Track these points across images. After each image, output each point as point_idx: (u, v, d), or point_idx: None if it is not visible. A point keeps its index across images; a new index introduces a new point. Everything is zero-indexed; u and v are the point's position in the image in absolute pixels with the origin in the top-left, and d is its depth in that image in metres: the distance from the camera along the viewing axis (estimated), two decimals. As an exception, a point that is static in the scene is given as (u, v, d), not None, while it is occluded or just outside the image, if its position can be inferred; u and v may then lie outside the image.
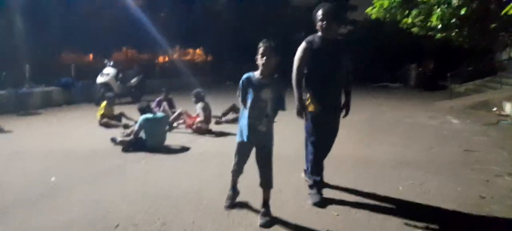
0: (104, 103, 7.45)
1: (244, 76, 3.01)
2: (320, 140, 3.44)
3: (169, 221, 2.97)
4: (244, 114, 3.01)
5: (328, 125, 3.44)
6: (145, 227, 2.87)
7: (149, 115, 5.39)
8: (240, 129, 3.06)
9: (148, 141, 5.28)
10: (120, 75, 11.28)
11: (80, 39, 15.39)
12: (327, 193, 3.58)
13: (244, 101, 3.01)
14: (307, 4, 31.93)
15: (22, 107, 8.85)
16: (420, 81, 16.47)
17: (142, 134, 5.33)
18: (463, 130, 7.32)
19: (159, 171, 4.46)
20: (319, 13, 3.29)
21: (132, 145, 5.30)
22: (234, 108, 7.91)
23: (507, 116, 8.90)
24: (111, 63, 11.59)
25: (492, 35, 5.03)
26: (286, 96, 3.07)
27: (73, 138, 6.41)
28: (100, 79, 10.73)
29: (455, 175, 4.33)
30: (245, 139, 2.99)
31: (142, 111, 5.45)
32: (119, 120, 7.31)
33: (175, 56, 27.27)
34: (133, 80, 11.73)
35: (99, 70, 11.31)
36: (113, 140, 5.52)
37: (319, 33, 3.32)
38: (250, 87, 2.95)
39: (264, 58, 2.88)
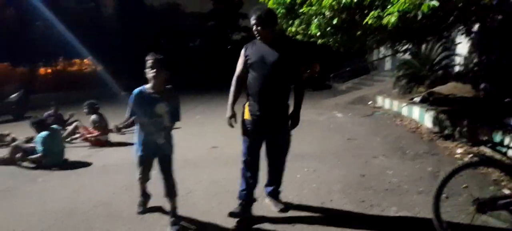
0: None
1: (135, 91, 2.95)
2: (250, 154, 3.17)
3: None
4: (140, 129, 3.02)
5: (262, 138, 3.15)
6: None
7: (45, 132, 4.98)
8: (139, 142, 3.05)
9: (46, 159, 4.88)
10: (-4, 91, 10.01)
11: None
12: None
13: (135, 116, 2.98)
14: (201, 11, 32.44)
15: None
16: (309, 82, 18.09)
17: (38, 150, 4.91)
18: (346, 122, 8.40)
19: (61, 188, 4.20)
20: (251, 18, 3.02)
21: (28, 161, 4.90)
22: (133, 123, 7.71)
23: (380, 107, 10.48)
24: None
25: (358, 40, 5.97)
26: (180, 106, 3.10)
27: None
28: (-30, 97, 9.35)
29: (341, 160, 5.05)
30: (144, 153, 3.04)
31: (38, 126, 5.03)
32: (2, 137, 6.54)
33: (59, 67, 24.83)
34: (13, 96, 10.48)
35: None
36: (4, 160, 4.98)
37: (258, 38, 3.07)
38: (143, 103, 2.91)
39: (155, 71, 2.84)
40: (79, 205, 3.55)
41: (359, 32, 5.33)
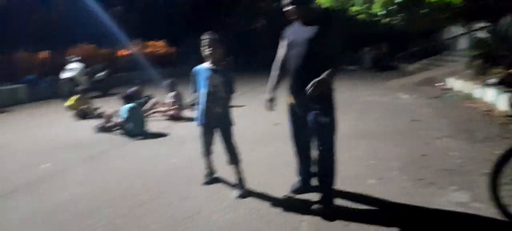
0: (74, 97, 7.62)
1: (194, 69, 3.37)
2: (295, 134, 3.25)
3: (165, 191, 3.43)
4: (200, 100, 3.33)
5: (303, 119, 3.03)
6: (144, 196, 3.32)
7: (132, 104, 5.73)
8: (200, 114, 3.36)
9: (131, 127, 5.62)
10: (88, 70, 11.29)
11: (34, 36, 14.93)
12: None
13: (196, 90, 3.36)
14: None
15: (-14, 107, 8.78)
16: (373, 63, 17.56)
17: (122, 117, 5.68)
18: (411, 103, 8.20)
19: (145, 152, 4.87)
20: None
21: (117, 128, 5.76)
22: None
23: (449, 89, 9.97)
24: (77, 58, 11.55)
25: (425, 19, 5.79)
26: (234, 79, 3.38)
27: (51, 130, 6.58)
28: (65, 74, 10.69)
29: (402, 140, 5.08)
30: (203, 122, 3.35)
31: (127, 99, 5.80)
32: (94, 110, 7.53)
33: (136, 49, 26.88)
34: (101, 75, 11.76)
35: (60, 66, 11.24)
36: (97, 128, 5.83)
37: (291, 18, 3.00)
38: (201, 76, 3.28)
39: (211, 49, 3.19)
40: (163, 166, 4.14)
41: (424, 11, 5.21)
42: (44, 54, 17.14)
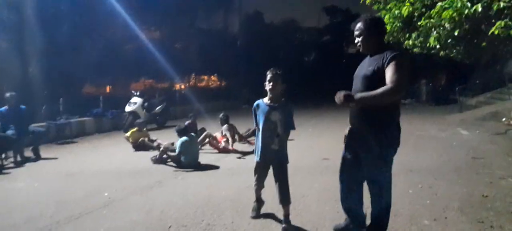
0: (134, 129, 8.18)
1: (255, 103, 3.41)
2: (341, 169, 3.05)
3: (212, 222, 3.55)
4: (258, 136, 3.40)
5: (355, 156, 2.88)
6: (194, 228, 3.45)
7: (186, 137, 6.03)
8: (256, 149, 3.44)
9: (184, 159, 5.89)
10: (146, 104, 12.07)
11: (100, 72, 16.38)
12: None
13: (256, 124, 3.42)
14: (317, 26, 33.05)
15: (59, 137, 9.65)
16: (431, 96, 16.81)
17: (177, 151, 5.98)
18: (472, 139, 7.72)
19: (196, 184, 5.06)
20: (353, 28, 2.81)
21: (170, 160, 6.06)
22: (254, 132, 8.47)
23: (516, 125, 9.25)
24: (138, 93, 12.45)
25: (485, 51, 5.54)
26: (293, 116, 3.40)
27: (114, 160, 7.06)
28: (128, 108, 11.52)
29: (461, 178, 4.81)
30: (259, 159, 3.39)
31: (181, 133, 6.11)
32: (151, 142, 7.98)
33: (191, 83, 28.34)
34: (158, 108, 12.49)
35: (123, 101, 12.13)
36: (154, 159, 6.22)
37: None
38: (260, 112, 3.33)
39: (271, 84, 3.25)
40: (212, 199, 4.27)
41: (484, 43, 5.01)
42: (107, 89, 18.73)
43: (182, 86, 27.11)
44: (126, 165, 6.42)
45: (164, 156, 6.21)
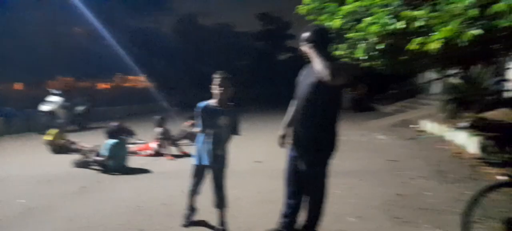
0: (55, 131, 7.53)
1: (202, 104, 3.28)
2: (288, 176, 3.14)
3: (145, 229, 3.44)
4: (202, 139, 3.29)
5: (298, 163, 2.98)
6: (124, 234, 3.29)
7: (115, 140, 5.72)
8: (198, 153, 3.32)
9: (112, 163, 5.57)
10: (66, 103, 11.16)
11: (11, 68, 14.81)
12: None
13: (201, 128, 3.28)
14: (248, 32, 33.65)
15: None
16: (353, 104, 18.08)
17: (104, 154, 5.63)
18: (388, 144, 8.49)
19: (125, 189, 4.83)
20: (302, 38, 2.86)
21: (96, 164, 5.66)
22: (186, 135, 8.29)
23: (424, 131, 10.38)
24: (57, 91, 11.43)
25: (404, 64, 6.18)
26: (239, 122, 3.38)
27: (29, 164, 6.44)
28: (44, 107, 10.53)
29: (380, 179, 5.26)
30: (203, 162, 3.27)
31: (111, 134, 5.78)
32: (71, 145, 7.42)
33: (117, 82, 26.90)
34: (80, 108, 11.65)
35: (39, 99, 11.11)
36: (76, 163, 5.77)
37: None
38: (208, 115, 3.23)
39: (222, 88, 3.18)
40: (143, 204, 4.12)
41: (404, 57, 5.58)
42: (19, 85, 16.90)
43: (106, 86, 25.62)
44: (44, 170, 5.90)
45: (87, 159, 5.81)
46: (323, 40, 2.83)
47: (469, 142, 7.29)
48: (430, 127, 10.19)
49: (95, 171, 5.66)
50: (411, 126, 11.16)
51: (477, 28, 3.89)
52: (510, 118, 8.53)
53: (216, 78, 3.22)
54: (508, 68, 9.50)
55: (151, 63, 24.09)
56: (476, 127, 8.03)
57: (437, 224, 3.56)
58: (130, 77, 28.08)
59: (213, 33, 29.86)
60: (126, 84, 27.99)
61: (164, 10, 27.30)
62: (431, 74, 14.27)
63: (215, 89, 3.22)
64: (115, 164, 5.63)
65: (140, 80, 29.16)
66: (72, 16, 16.86)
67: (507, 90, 9.82)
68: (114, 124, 6.35)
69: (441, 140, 8.63)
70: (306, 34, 2.82)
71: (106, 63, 19.65)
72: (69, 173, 5.61)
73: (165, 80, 25.05)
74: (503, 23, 3.80)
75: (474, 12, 3.90)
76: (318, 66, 2.59)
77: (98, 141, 7.18)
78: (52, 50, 16.86)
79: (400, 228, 3.52)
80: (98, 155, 5.78)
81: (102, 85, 25.88)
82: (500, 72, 9.57)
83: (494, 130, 7.43)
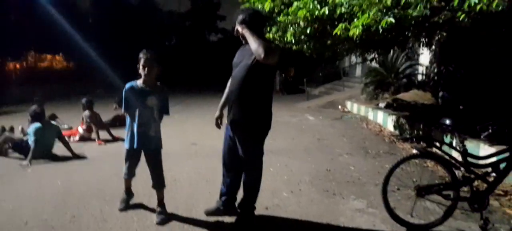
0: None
1: (127, 86, 3.15)
2: (224, 153, 3.24)
3: (78, 214, 3.28)
4: (131, 122, 3.17)
5: (233, 139, 3.08)
6: (55, 222, 3.12)
7: (40, 124, 5.24)
8: (129, 136, 3.19)
9: (37, 149, 5.11)
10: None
11: None
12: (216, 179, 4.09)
13: (128, 110, 3.17)
14: (178, 10, 32.54)
15: None
16: (283, 86, 18.69)
17: (30, 141, 5.14)
18: (317, 124, 9.00)
19: (52, 175, 4.51)
20: (236, 19, 2.93)
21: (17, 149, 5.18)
22: (115, 118, 7.92)
23: (349, 111, 11.19)
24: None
25: (330, 48, 6.58)
26: (168, 101, 3.29)
27: None
28: None
29: (310, 157, 5.61)
30: (135, 146, 3.16)
31: (35, 118, 5.27)
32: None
33: (30, 62, 24.34)
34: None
35: None
36: None
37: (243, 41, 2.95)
38: (135, 96, 3.12)
39: (146, 68, 3.07)
40: (73, 189, 3.91)
41: (329, 41, 5.93)
42: None
43: (17, 66, 23.09)
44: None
45: (6, 146, 5.29)
46: (258, 22, 2.93)
47: (387, 121, 8.06)
48: (354, 107, 11.01)
49: (14, 159, 5.19)
50: (339, 106, 11.93)
51: (390, 17, 4.29)
52: (420, 98, 9.59)
53: (141, 58, 3.10)
54: (420, 54, 10.56)
55: (70, 42, 22.14)
56: (393, 107, 8.90)
57: (361, 195, 3.93)
58: (47, 56, 25.63)
59: (138, 10, 28.29)
60: (42, 65, 25.48)
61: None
62: (354, 58, 15.33)
63: (141, 69, 3.11)
64: (40, 150, 5.17)
65: (58, 60, 26.74)
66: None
67: (418, 74, 10.96)
68: (33, 107, 5.83)
69: (364, 119, 9.39)
70: (240, 16, 2.88)
71: (15, 40, 17.60)
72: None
73: (87, 61, 23.31)
74: (413, 13, 4.24)
75: (389, 1, 4.28)
76: (252, 46, 2.68)
77: (11, 125, 6.60)
78: None
79: (329, 200, 3.81)
80: (22, 141, 5.27)
81: (12, 66, 23.25)
82: (412, 57, 10.60)
83: (407, 109, 8.31)
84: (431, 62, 10.33)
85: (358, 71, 16.64)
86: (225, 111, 3.19)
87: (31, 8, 19.05)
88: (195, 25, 32.44)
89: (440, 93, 8.88)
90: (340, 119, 9.83)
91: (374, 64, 10.82)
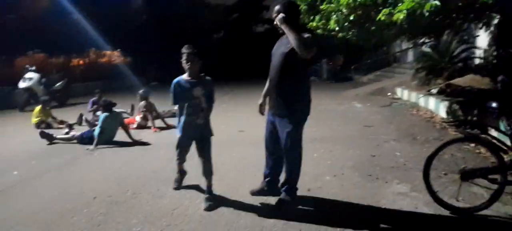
0: (38, 107, 7.53)
1: (174, 81, 3.39)
2: (266, 138, 3.45)
3: (137, 191, 3.67)
4: (181, 112, 3.41)
5: (274, 125, 3.29)
6: (118, 197, 3.53)
7: (108, 113, 5.85)
8: (180, 125, 3.44)
9: (100, 136, 5.69)
10: (44, 79, 11.03)
11: None
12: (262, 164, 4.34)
13: (177, 102, 3.40)
14: (224, 4, 33.15)
15: None
16: (331, 74, 18.51)
17: (96, 129, 5.74)
18: (364, 111, 8.91)
19: (114, 159, 5.03)
20: (273, 10, 3.12)
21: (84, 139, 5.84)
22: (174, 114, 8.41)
23: (398, 98, 10.88)
24: (34, 68, 11.26)
25: (374, 35, 6.49)
26: (214, 90, 3.51)
27: (13, 139, 6.51)
28: (23, 84, 10.41)
29: (355, 143, 5.63)
30: (182, 133, 3.43)
31: (106, 108, 5.91)
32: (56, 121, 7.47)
33: (91, 58, 26.23)
34: (58, 85, 11.52)
35: (12, 76, 10.95)
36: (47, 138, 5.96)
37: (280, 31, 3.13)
38: (182, 89, 3.35)
39: (189, 63, 3.31)
40: (133, 171, 4.35)
41: (373, 27, 5.88)
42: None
43: (80, 62, 24.98)
44: (30, 145, 5.99)
45: (73, 134, 5.94)
46: (293, 12, 3.09)
47: (439, 107, 7.77)
48: (404, 94, 10.69)
49: (79, 145, 5.80)
50: (386, 94, 11.64)
51: (435, 0, 4.19)
52: (476, 83, 9.08)
53: (183, 53, 3.34)
54: (476, 36, 9.96)
55: (127, 38, 23.55)
56: (446, 93, 8.53)
57: (405, 180, 3.94)
58: (105, 52, 27.45)
59: (188, 6, 29.25)
60: (101, 60, 27.34)
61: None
62: (405, 44, 14.77)
63: (184, 64, 3.35)
64: (105, 137, 5.76)
65: (115, 55, 28.59)
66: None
67: (475, 57, 10.34)
68: (92, 98, 6.39)
69: (414, 106, 9.12)
70: (277, 7, 3.06)
71: (78, 39, 19.10)
72: (55, 148, 5.74)
73: (140, 55, 24.63)
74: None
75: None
76: (292, 41, 2.84)
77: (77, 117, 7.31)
78: (19, 26, 16.15)
79: (371, 184, 3.87)
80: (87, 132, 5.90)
81: (76, 62, 25.21)
82: (467, 40, 10.02)
83: (461, 95, 7.93)
84: (489, 45, 9.70)
85: (410, 57, 16.01)
86: (267, 99, 3.39)
87: (91, 8, 20.56)
88: (241, 18, 32.86)
89: (499, 78, 8.35)
90: (388, 106, 9.62)
91: (426, 48, 10.40)
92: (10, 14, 15.92)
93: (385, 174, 4.16)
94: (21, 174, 4.32)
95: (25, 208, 3.36)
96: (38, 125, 7.28)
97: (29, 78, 10.59)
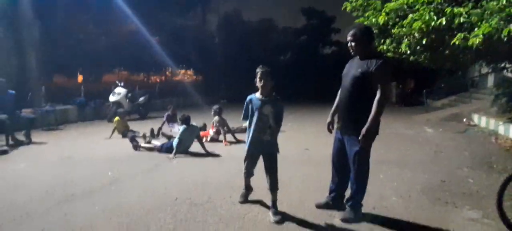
0: (117, 118, 8.49)
1: (248, 98, 3.62)
2: (333, 155, 3.68)
3: (213, 197, 4.07)
4: (250, 128, 3.64)
5: (342, 143, 3.53)
6: (197, 200, 3.97)
7: (186, 126, 6.46)
8: (248, 140, 3.65)
9: (179, 146, 6.30)
10: (130, 94, 12.31)
11: (73, 63, 16.58)
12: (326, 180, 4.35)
13: (247, 117, 3.63)
14: (292, 27, 33.80)
15: (45, 124, 9.84)
16: (400, 98, 17.86)
17: (175, 140, 6.38)
18: (435, 137, 8.57)
19: (191, 168, 5.54)
20: (348, 34, 3.36)
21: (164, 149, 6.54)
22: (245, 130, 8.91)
23: (475, 125, 10.25)
24: (122, 83, 12.67)
25: (448, 59, 6.32)
26: (283, 111, 3.64)
27: (102, 146, 7.40)
28: (112, 98, 11.75)
29: (424, 167, 5.52)
30: (251, 149, 3.65)
31: (184, 121, 6.54)
32: (133, 133, 8.32)
33: (167, 76, 28.44)
34: (141, 99, 12.75)
35: (103, 92, 12.38)
36: (135, 146, 6.74)
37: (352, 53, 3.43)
38: (254, 106, 3.56)
39: (262, 81, 3.49)
40: (208, 179, 4.78)
41: (447, 51, 5.76)
42: (80, 79, 18.75)
43: (157, 79, 27.14)
44: (117, 151, 6.78)
45: (148, 144, 6.83)
46: (368, 37, 3.32)
47: (520, 136, 7.25)
48: (482, 121, 10.06)
49: (158, 154, 6.48)
50: (462, 119, 11.03)
51: (514, 25, 4.07)
52: None
53: (257, 73, 3.55)
54: None
55: (199, 59, 25.14)
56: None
57: (477, 206, 3.84)
58: (180, 71, 29.59)
59: (257, 29, 30.36)
60: (176, 78, 29.45)
61: (209, 6, 28.40)
62: (483, 69, 13.85)
63: (258, 82, 3.55)
64: (183, 147, 6.37)
65: (189, 74, 30.65)
66: (122, 17, 18.10)
67: None
68: (166, 113, 7.11)
69: (493, 133, 8.57)
70: (352, 32, 3.30)
71: (157, 59, 20.87)
72: (139, 155, 6.47)
73: (213, 74, 26.08)
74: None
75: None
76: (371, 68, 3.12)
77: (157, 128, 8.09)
78: (106, 48, 18.14)
79: (440, 208, 3.83)
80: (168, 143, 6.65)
81: (154, 79, 27.44)
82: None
83: (549, 124, 7.32)
84: None
85: (490, 81, 14.92)
86: (335, 118, 3.63)
87: (169, 31, 22.44)
88: (309, 40, 33.19)
89: None
90: (463, 132, 9.15)
91: (508, 73, 9.74)
92: (101, 38, 18.05)
93: (455, 199, 4.08)
94: (114, 175, 4.99)
95: (120, 202, 3.92)
96: (124, 134, 8.18)
97: (118, 93, 11.89)
